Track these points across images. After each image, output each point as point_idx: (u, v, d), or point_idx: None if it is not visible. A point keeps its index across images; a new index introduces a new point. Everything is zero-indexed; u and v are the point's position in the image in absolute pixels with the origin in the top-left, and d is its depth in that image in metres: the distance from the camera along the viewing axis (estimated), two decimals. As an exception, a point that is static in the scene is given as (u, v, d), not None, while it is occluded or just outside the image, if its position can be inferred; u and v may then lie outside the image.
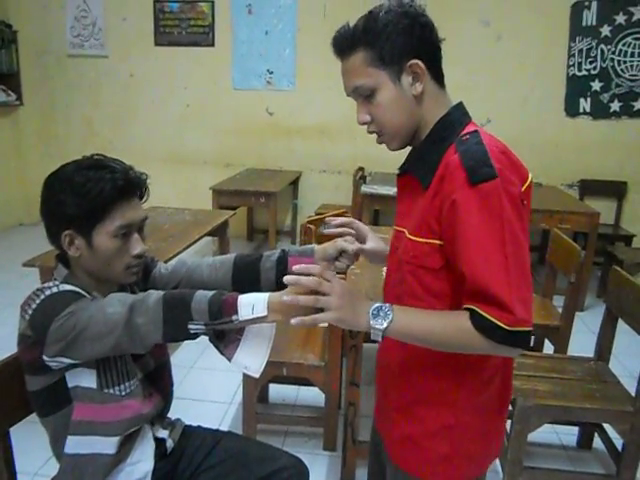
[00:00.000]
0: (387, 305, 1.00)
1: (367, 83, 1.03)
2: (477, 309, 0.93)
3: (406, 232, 1.07)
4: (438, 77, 1.06)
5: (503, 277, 0.91)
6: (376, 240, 1.32)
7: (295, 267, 1.04)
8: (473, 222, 0.93)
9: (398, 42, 1.00)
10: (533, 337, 2.72)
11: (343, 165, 5.26)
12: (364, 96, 1.05)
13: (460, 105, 1.09)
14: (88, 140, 5.58)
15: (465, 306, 0.96)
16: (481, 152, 0.95)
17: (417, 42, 1.01)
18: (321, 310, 0.99)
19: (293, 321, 1.00)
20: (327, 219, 1.33)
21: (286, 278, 1.02)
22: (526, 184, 1.01)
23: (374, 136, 1.12)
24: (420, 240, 1.03)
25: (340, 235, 1.31)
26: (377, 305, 1.00)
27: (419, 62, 1.01)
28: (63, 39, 5.47)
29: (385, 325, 0.98)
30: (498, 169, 0.93)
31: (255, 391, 2.27)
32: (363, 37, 1.01)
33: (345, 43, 1.04)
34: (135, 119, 5.56)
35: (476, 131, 1.01)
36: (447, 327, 0.97)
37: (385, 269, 1.23)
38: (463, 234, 0.94)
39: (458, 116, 1.06)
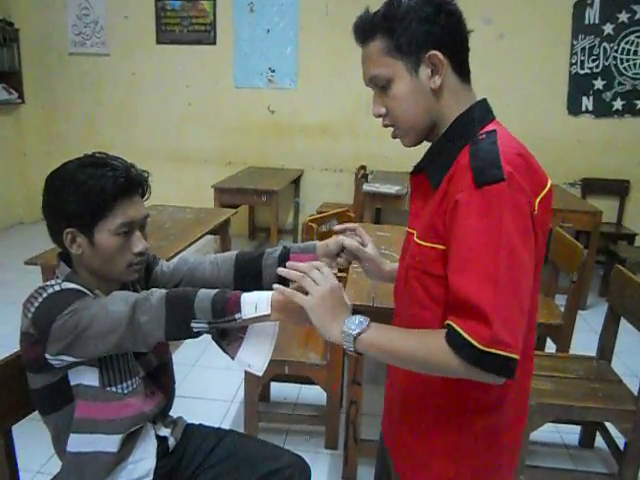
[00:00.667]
0: (365, 317, 0.97)
1: (383, 73, 0.98)
2: (453, 324, 0.85)
3: (415, 235, 1.02)
4: (462, 71, 1.00)
5: (489, 289, 0.83)
6: (376, 250, 1.29)
7: (288, 263, 1.05)
8: (469, 226, 0.87)
9: (418, 31, 0.94)
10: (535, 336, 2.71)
11: (345, 163, 5.25)
12: (380, 87, 1.00)
13: (483, 102, 1.02)
14: (90, 138, 5.57)
15: (446, 322, 0.88)
16: (492, 153, 0.89)
17: (440, 32, 0.95)
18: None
19: (275, 285, 1.04)
20: (334, 228, 1.33)
21: (279, 269, 1.04)
22: (543, 193, 0.92)
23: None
24: (427, 245, 0.97)
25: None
26: (356, 315, 0.97)
27: (438, 54, 0.95)
28: (65, 37, 5.47)
29: (357, 332, 0.94)
30: (507, 172, 0.86)
31: (257, 389, 2.27)
32: (382, 24, 0.96)
33: (364, 29, 0.99)
34: (137, 117, 5.56)
35: (494, 130, 0.95)
36: (420, 343, 0.90)
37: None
38: (457, 238, 0.88)
39: (479, 114, 0.99)
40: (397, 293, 1.13)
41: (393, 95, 0.99)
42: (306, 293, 0.99)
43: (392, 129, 1.05)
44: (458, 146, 0.96)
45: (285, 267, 1.07)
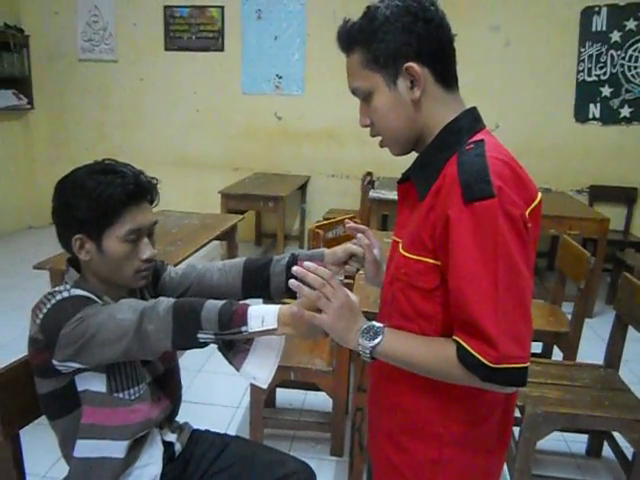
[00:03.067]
0: (379, 325, 0.97)
1: (363, 86, 0.98)
2: (462, 342, 0.87)
3: (400, 245, 1.01)
4: (446, 79, 0.97)
5: (491, 308, 0.84)
6: (381, 255, 1.26)
7: (306, 263, 1.01)
8: (463, 244, 0.85)
9: (395, 42, 0.92)
10: (542, 344, 2.70)
11: (351, 170, 5.26)
12: (362, 98, 1.00)
13: (472, 110, 0.99)
14: (98, 144, 5.62)
15: (453, 337, 0.89)
16: (480, 166, 0.86)
17: (418, 41, 0.92)
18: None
19: (294, 308, 1.03)
20: (345, 221, 1.34)
21: (291, 282, 1.01)
22: (533, 205, 0.91)
23: None
24: (413, 257, 0.96)
25: (351, 238, 1.31)
26: (369, 324, 0.98)
27: (415, 65, 0.92)
28: (74, 44, 5.52)
29: (371, 345, 0.95)
30: (497, 187, 0.84)
31: (262, 395, 2.26)
32: (359, 36, 0.95)
33: (344, 42, 0.98)
34: (144, 123, 5.59)
35: (482, 140, 0.92)
36: (435, 358, 0.92)
37: None
38: (453, 257, 0.87)
39: (467, 122, 0.97)
40: (381, 303, 1.12)
41: (374, 107, 0.99)
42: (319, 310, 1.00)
43: (380, 138, 1.05)
44: (445, 156, 0.94)
45: (293, 275, 1.05)
